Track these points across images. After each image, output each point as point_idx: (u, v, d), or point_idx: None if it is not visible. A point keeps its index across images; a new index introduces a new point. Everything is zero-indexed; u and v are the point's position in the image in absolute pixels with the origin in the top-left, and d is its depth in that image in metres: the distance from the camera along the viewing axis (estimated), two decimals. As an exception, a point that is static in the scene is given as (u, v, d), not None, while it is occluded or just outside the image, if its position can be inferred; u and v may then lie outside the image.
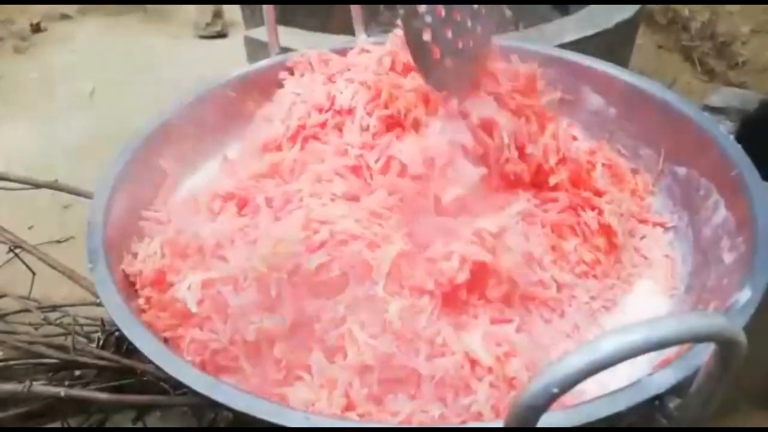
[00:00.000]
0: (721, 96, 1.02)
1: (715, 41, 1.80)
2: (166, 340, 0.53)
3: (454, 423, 0.47)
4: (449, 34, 0.57)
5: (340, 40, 0.93)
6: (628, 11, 1.16)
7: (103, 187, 0.61)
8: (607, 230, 0.62)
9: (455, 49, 0.58)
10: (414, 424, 0.47)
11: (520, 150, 0.61)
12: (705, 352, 0.34)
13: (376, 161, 0.59)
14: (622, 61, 1.18)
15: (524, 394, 0.30)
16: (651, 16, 1.93)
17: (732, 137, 0.63)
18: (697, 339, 0.31)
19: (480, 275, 0.53)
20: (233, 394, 0.43)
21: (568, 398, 0.31)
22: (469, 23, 0.59)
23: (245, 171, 0.63)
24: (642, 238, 0.65)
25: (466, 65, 0.59)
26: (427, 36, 0.55)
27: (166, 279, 0.56)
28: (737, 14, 1.80)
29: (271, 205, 0.58)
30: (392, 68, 0.65)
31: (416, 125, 0.61)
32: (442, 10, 0.56)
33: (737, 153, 0.60)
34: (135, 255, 0.59)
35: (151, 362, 0.45)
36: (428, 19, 0.55)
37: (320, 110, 0.66)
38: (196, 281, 0.52)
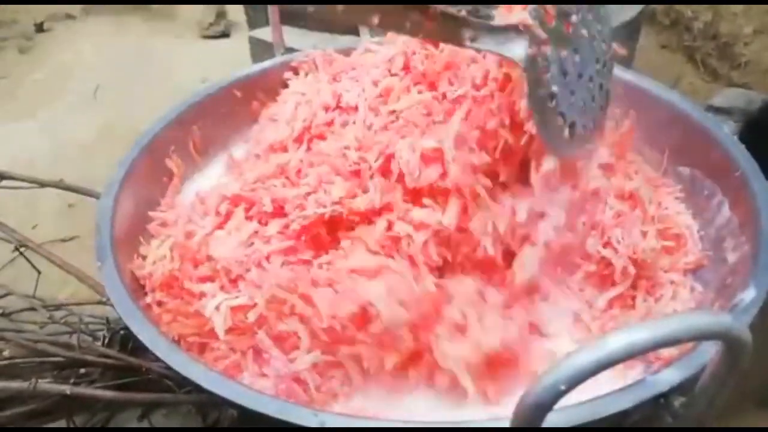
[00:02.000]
0: (725, 96, 1.02)
1: (717, 42, 1.80)
2: (174, 339, 0.53)
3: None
4: (572, 99, 0.54)
5: (344, 40, 0.93)
6: (630, 12, 1.16)
7: (111, 185, 0.61)
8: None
9: (580, 110, 0.55)
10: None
11: None
12: (710, 351, 0.35)
13: (375, 161, 0.59)
14: (625, 62, 1.18)
15: (531, 391, 0.30)
16: (654, 17, 1.93)
17: (736, 138, 0.63)
18: (704, 337, 0.32)
19: None
20: (243, 393, 0.43)
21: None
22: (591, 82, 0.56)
23: (251, 172, 0.63)
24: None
25: (592, 125, 0.57)
26: (552, 103, 0.52)
27: (178, 284, 0.56)
28: (740, 15, 1.80)
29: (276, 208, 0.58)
30: (405, 68, 0.65)
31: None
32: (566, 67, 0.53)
33: (741, 153, 0.60)
34: (143, 257, 0.59)
35: (160, 360, 0.45)
36: (554, 88, 0.52)
37: (326, 109, 0.66)
38: (224, 306, 0.52)
